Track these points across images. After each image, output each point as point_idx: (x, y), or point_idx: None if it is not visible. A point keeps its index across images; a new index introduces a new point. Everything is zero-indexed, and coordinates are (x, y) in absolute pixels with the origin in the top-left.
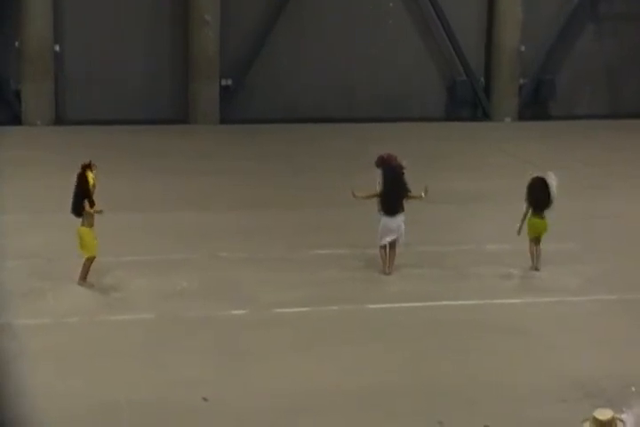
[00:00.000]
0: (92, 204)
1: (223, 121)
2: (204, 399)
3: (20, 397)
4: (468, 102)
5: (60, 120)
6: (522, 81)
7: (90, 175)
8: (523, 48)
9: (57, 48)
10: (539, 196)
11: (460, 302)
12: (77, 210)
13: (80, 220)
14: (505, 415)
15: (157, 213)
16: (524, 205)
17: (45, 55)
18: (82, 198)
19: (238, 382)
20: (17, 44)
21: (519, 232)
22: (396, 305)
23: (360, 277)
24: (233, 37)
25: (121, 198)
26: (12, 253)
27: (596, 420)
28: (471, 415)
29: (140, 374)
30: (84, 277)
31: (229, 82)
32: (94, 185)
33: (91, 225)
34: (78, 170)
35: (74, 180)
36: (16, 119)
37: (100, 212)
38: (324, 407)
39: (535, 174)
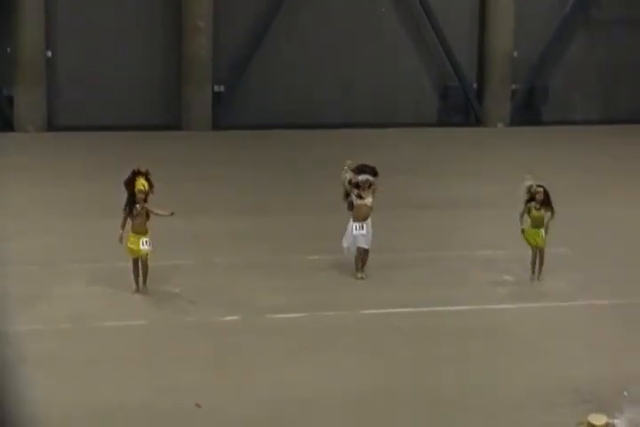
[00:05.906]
0: (130, 210)
1: (216, 127)
2: (197, 406)
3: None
4: (460, 108)
5: (52, 126)
6: (514, 86)
7: (139, 182)
8: (515, 53)
9: (49, 54)
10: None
11: (454, 308)
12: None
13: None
14: (499, 420)
15: (151, 219)
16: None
17: (37, 61)
18: (126, 203)
19: (233, 387)
20: (9, 50)
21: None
22: (390, 311)
23: (353, 282)
24: (226, 44)
25: (114, 204)
26: (7, 258)
27: (590, 425)
28: (466, 420)
29: (134, 380)
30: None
31: (222, 88)
32: (141, 191)
33: (136, 231)
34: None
35: (68, 185)
36: (8, 125)
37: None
38: (319, 413)
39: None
